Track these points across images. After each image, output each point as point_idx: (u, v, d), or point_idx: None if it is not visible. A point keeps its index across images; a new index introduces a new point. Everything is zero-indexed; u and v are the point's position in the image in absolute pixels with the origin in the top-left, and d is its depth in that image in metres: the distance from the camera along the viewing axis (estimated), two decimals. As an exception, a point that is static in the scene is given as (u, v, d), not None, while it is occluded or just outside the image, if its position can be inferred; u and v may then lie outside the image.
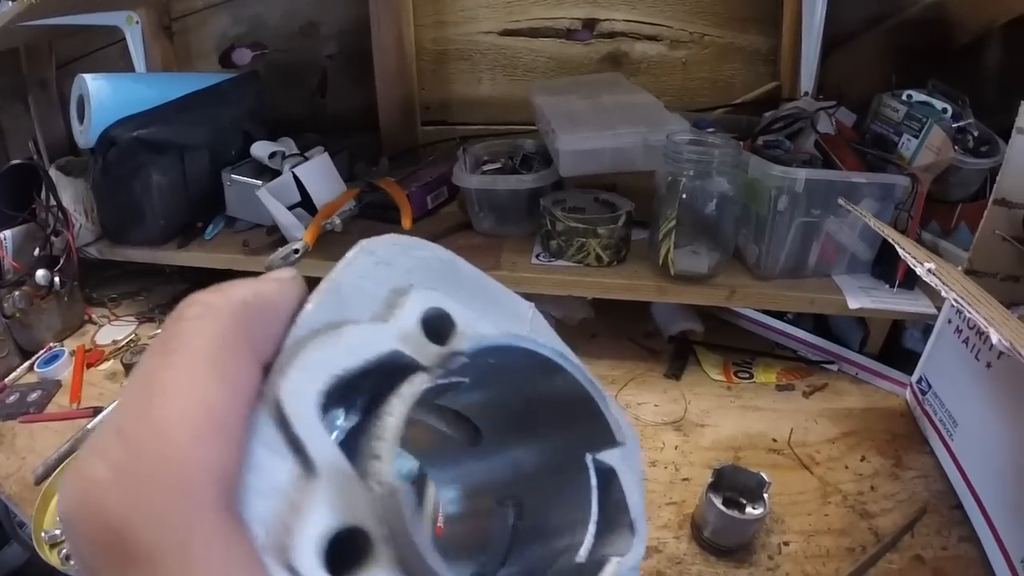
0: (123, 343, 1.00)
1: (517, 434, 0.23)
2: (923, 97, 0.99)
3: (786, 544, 0.69)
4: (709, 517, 0.67)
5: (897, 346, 0.95)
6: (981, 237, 0.76)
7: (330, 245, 1.00)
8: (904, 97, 1.00)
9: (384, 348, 0.15)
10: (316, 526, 0.12)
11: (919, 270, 0.64)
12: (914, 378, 0.86)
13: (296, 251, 0.95)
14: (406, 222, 1.10)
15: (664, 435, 0.84)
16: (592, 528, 0.19)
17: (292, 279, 0.17)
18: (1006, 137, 0.69)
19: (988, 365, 0.70)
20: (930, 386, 0.83)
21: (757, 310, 1.00)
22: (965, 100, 1.00)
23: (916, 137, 0.95)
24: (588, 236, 0.96)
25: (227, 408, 0.12)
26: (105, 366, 0.97)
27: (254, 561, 0.11)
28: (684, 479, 0.77)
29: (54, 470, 0.76)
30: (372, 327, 0.16)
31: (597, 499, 0.19)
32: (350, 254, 0.18)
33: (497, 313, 0.19)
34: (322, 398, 0.14)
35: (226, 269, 1.01)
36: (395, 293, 0.17)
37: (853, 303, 0.88)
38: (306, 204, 1.02)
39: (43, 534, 0.69)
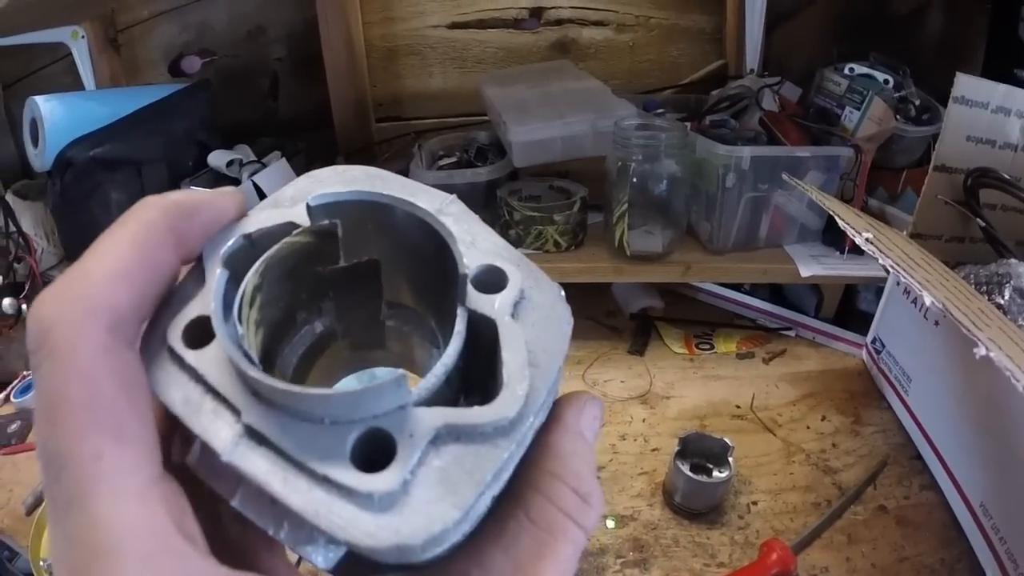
0: None
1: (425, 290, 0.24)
2: (864, 69, 1.03)
3: (754, 504, 0.70)
4: (678, 483, 0.68)
5: (852, 309, 0.98)
6: (923, 202, 0.78)
7: None
8: (846, 71, 1.03)
9: (279, 220, 0.21)
10: (188, 313, 0.18)
11: (858, 240, 0.67)
12: (868, 339, 0.89)
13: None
14: None
15: (632, 409, 0.85)
16: (439, 370, 0.18)
17: (232, 192, 0.21)
18: (946, 103, 0.72)
19: (936, 323, 0.72)
20: (884, 345, 0.85)
21: (714, 284, 1.02)
22: (906, 70, 1.03)
23: (858, 109, 0.98)
24: (545, 224, 0.98)
25: (134, 266, 0.17)
26: None
27: (97, 388, 0.15)
28: (653, 449, 0.78)
29: (44, 499, 0.75)
30: (277, 210, 0.21)
31: (459, 347, 0.19)
32: (299, 178, 0.23)
33: (410, 199, 0.22)
34: (228, 245, 0.20)
35: None
36: None
37: (805, 271, 0.91)
38: None
39: (41, 563, 0.68)
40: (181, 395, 0.17)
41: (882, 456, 0.75)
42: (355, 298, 0.22)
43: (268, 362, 0.21)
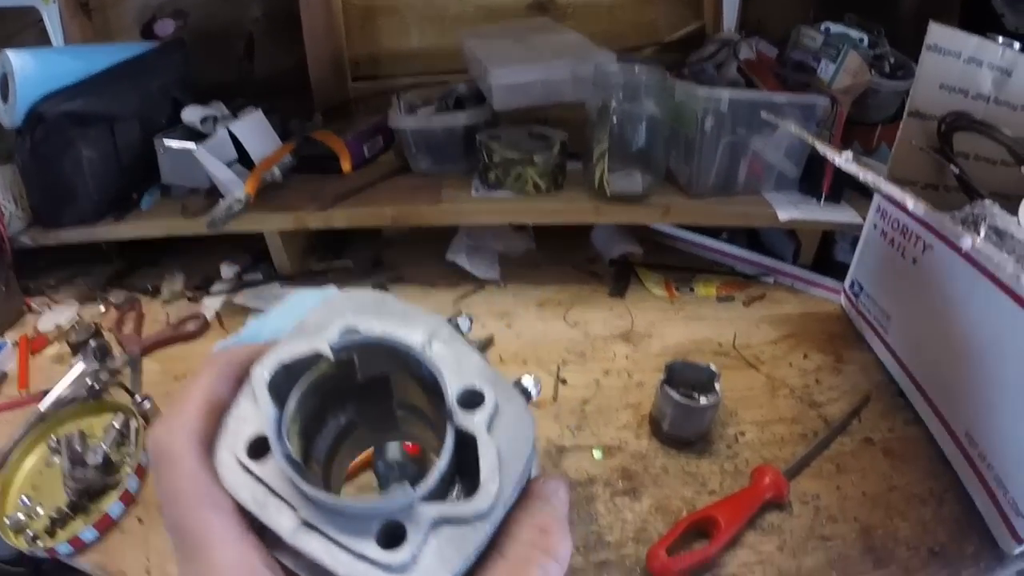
0: (67, 326, 0.94)
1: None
2: (840, 28, 1.02)
3: (742, 434, 0.68)
4: (666, 410, 0.65)
5: (829, 259, 0.97)
6: (899, 147, 0.78)
7: (272, 198, 0.97)
8: (822, 28, 1.03)
9: (309, 349, 0.26)
10: (248, 432, 0.24)
11: (838, 160, 0.66)
12: (846, 283, 0.88)
13: (239, 201, 0.90)
14: (345, 166, 1.05)
15: (614, 346, 0.82)
16: (434, 476, 0.23)
17: (258, 347, 0.27)
18: (921, 63, 0.72)
19: (914, 261, 0.72)
20: (862, 288, 0.85)
21: (692, 229, 1.00)
22: (880, 30, 1.04)
23: (834, 62, 0.97)
24: (525, 165, 0.95)
25: (211, 403, 0.25)
26: (50, 351, 0.91)
27: (198, 481, 0.23)
28: (638, 383, 0.75)
29: (7, 457, 0.71)
30: (305, 339, 0.26)
31: (449, 457, 0.24)
32: (319, 308, 0.29)
33: (409, 327, 0.27)
34: (270, 374, 0.25)
35: (166, 237, 0.98)
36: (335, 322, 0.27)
37: (783, 215, 0.90)
38: (243, 161, 0.99)
39: (5, 520, 0.65)
40: (250, 495, 0.23)
41: (864, 392, 0.74)
42: (371, 402, 0.30)
43: (307, 453, 0.27)
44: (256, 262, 1.05)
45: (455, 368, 0.26)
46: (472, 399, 0.26)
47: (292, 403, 0.25)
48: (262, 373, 0.25)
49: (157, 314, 0.97)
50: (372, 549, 0.22)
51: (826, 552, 0.57)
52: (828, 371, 0.77)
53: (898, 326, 0.76)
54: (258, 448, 0.24)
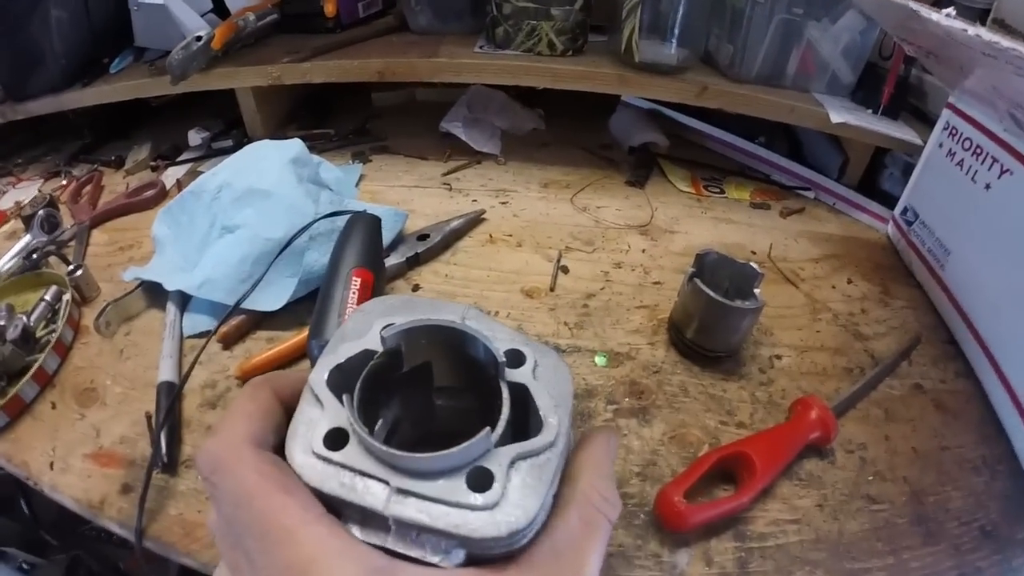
0: (26, 202, 0.82)
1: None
2: None
3: (778, 358, 0.55)
4: (694, 309, 0.51)
5: (874, 187, 0.83)
6: None
7: (246, 54, 0.82)
8: None
9: (359, 350, 0.28)
10: (321, 429, 0.25)
11: (940, 15, 0.49)
12: (897, 210, 0.74)
13: (199, 39, 0.75)
14: (329, 8, 0.88)
15: (629, 238, 0.67)
16: (502, 423, 0.26)
17: (301, 372, 0.30)
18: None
19: (987, 187, 0.58)
20: (917, 216, 0.71)
21: (725, 127, 0.84)
22: None
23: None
24: (540, 18, 0.78)
25: (256, 412, 0.27)
26: (6, 227, 0.79)
27: (265, 474, 0.24)
28: (655, 282, 0.61)
29: None
30: (354, 342, 0.29)
31: (509, 406, 0.27)
32: (353, 315, 0.31)
33: (439, 315, 0.30)
34: (326, 376, 0.27)
35: (136, 106, 0.89)
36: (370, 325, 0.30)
37: (836, 117, 0.75)
38: (220, 11, 0.88)
39: None
40: (337, 482, 0.24)
41: (915, 332, 0.61)
42: (415, 391, 0.33)
43: None
44: (229, 129, 0.92)
45: (491, 338, 0.29)
46: (514, 358, 0.29)
47: (357, 394, 0.27)
48: (321, 376, 0.27)
49: (118, 185, 0.82)
50: (465, 495, 0.24)
51: (872, 517, 0.45)
52: (875, 302, 0.64)
53: (958, 263, 0.63)
54: (335, 440, 0.25)
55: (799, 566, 0.41)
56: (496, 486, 0.24)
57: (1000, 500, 0.48)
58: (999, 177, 0.56)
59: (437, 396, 0.34)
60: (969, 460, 0.50)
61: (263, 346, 0.54)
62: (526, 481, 0.24)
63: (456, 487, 0.24)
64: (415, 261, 0.63)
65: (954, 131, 0.64)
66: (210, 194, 0.61)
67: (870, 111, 0.80)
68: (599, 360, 0.52)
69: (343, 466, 0.24)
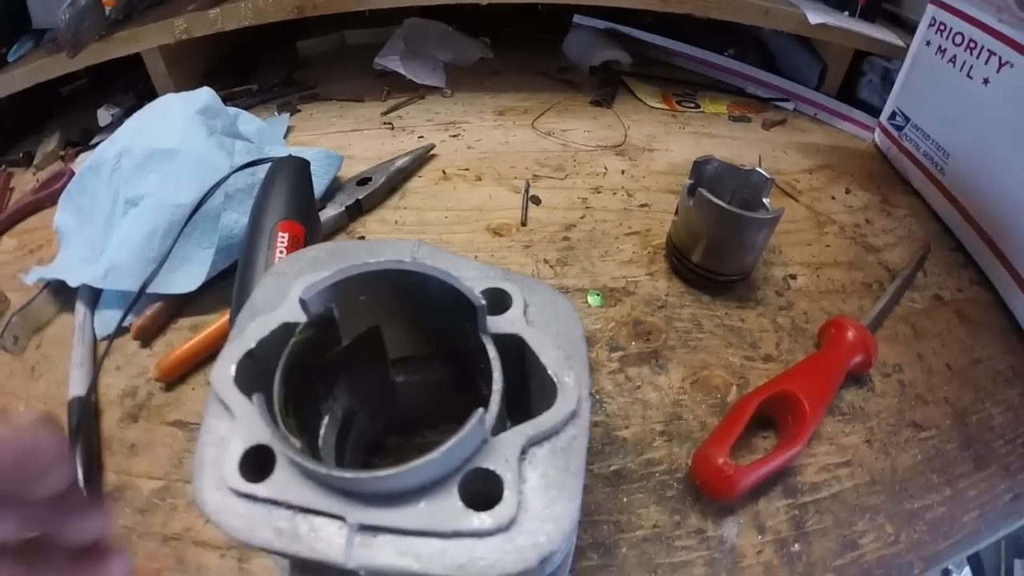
0: None
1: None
2: None
3: (792, 277, 0.48)
4: (699, 227, 0.42)
5: (852, 96, 0.77)
6: None
7: (150, 13, 0.69)
8: None
9: (275, 325, 0.21)
10: (235, 449, 0.18)
11: None
12: (884, 116, 0.68)
13: None
14: None
15: (604, 159, 0.58)
16: (496, 399, 0.19)
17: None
18: None
19: (985, 81, 0.53)
20: (908, 120, 0.65)
21: (693, 31, 0.75)
22: None
23: None
24: None
25: None
26: None
27: None
28: (642, 205, 0.52)
29: None
30: (268, 317, 0.21)
31: (500, 370, 0.20)
32: (261, 281, 0.24)
33: (375, 256, 0.23)
34: (234, 370, 0.19)
35: (41, 90, 0.72)
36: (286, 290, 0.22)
37: (814, 18, 0.68)
38: None
39: None
40: (271, 529, 0.17)
41: (922, 240, 0.55)
42: (364, 369, 0.25)
43: (316, 458, 0.20)
44: (141, 101, 0.75)
45: (458, 277, 0.21)
46: (496, 300, 0.22)
47: (278, 389, 0.19)
48: (225, 371, 0.19)
49: (28, 184, 0.67)
50: (463, 516, 0.16)
51: (922, 447, 0.39)
52: (877, 211, 0.57)
53: (959, 165, 0.58)
54: (256, 464, 0.18)
55: (859, 515, 0.35)
56: (508, 495, 0.17)
57: None
58: (998, 71, 0.51)
59: (396, 371, 0.27)
60: (1001, 372, 0.45)
61: (187, 336, 0.43)
62: (548, 476, 0.17)
63: (448, 507, 0.17)
64: (357, 210, 0.53)
65: (942, 27, 0.58)
66: (109, 165, 0.48)
67: (846, 13, 0.73)
68: (593, 300, 0.43)
69: (274, 503, 0.17)
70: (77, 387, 0.40)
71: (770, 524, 0.34)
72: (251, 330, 0.21)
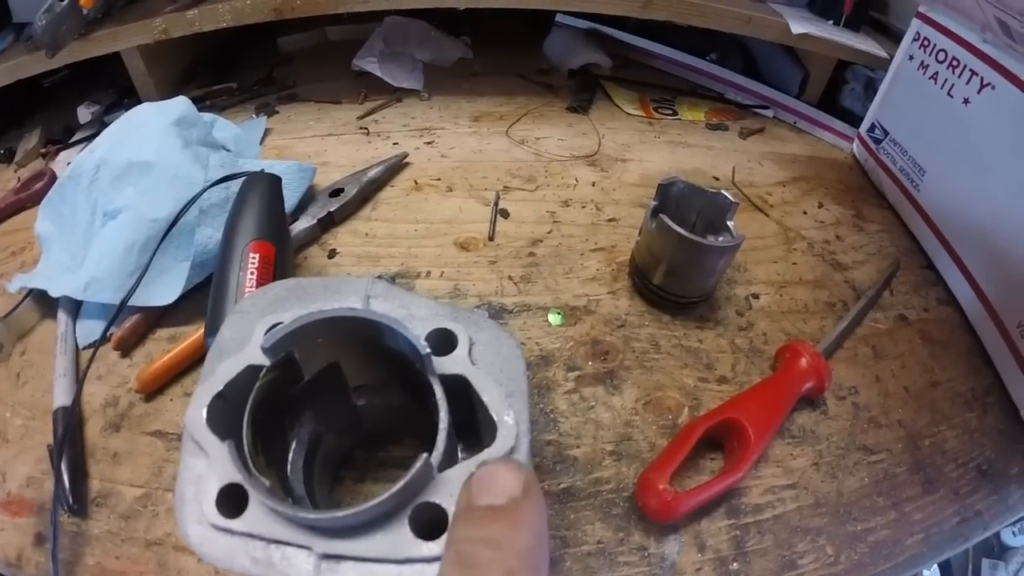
0: None
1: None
2: None
3: (755, 297, 0.48)
4: (660, 250, 0.43)
5: (834, 105, 0.77)
6: None
7: (129, 11, 0.68)
8: None
9: (241, 367, 0.22)
10: (212, 488, 0.20)
11: None
12: (863, 127, 0.68)
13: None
14: None
15: (575, 170, 0.58)
16: (442, 439, 0.21)
17: None
18: None
19: (965, 102, 0.53)
20: (886, 133, 0.65)
21: (675, 34, 0.75)
22: None
23: None
24: None
25: None
26: None
27: None
28: (610, 219, 0.53)
29: None
30: (234, 358, 0.23)
31: (447, 408, 0.21)
32: (228, 319, 0.25)
33: (336, 299, 0.25)
34: (205, 413, 0.21)
35: (23, 85, 0.70)
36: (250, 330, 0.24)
37: (797, 27, 0.68)
38: None
39: None
40: (247, 558, 0.19)
41: (892, 258, 0.55)
42: (327, 398, 0.26)
43: (285, 487, 0.24)
44: (122, 99, 0.77)
45: (408, 317, 0.24)
46: (442, 341, 0.24)
47: (247, 434, 0.21)
48: (198, 414, 0.21)
49: (9, 181, 0.67)
50: (413, 545, 0.19)
51: (870, 470, 0.40)
52: (848, 227, 0.58)
53: (934, 183, 0.58)
54: (231, 500, 0.20)
55: (800, 536, 0.36)
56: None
57: (993, 435, 0.44)
58: (979, 92, 0.51)
59: (357, 396, 0.29)
60: (960, 395, 0.46)
61: (165, 348, 0.44)
62: None
63: (400, 538, 0.19)
64: (329, 222, 0.53)
65: (926, 42, 0.58)
66: (88, 176, 0.49)
67: (831, 22, 0.73)
68: (553, 318, 0.44)
69: (250, 536, 0.20)
70: (61, 397, 0.41)
71: (711, 543, 0.35)
72: (220, 372, 0.22)
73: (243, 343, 0.24)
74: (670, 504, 0.32)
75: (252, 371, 0.23)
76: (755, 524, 0.36)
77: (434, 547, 0.19)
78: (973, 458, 0.42)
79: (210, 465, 0.21)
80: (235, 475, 0.20)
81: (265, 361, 0.23)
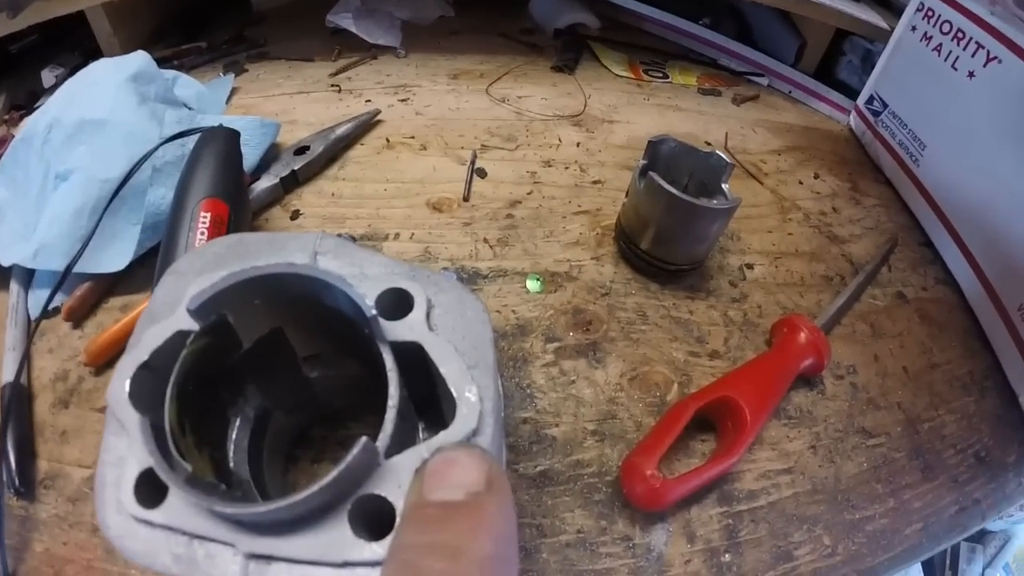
0: None
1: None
2: None
3: (749, 267, 0.45)
4: (649, 213, 0.39)
5: (830, 76, 0.73)
6: None
7: None
8: None
9: (169, 333, 0.19)
10: (131, 473, 0.18)
11: None
12: (861, 99, 0.65)
13: None
14: None
15: (559, 130, 0.54)
16: (390, 421, 0.17)
17: None
18: None
19: (970, 75, 0.50)
20: (885, 106, 0.62)
21: (664, 7, 0.71)
22: None
23: None
24: None
25: None
26: None
27: None
28: (595, 181, 0.49)
29: None
30: (160, 325, 0.19)
31: (398, 382, 0.18)
32: (161, 280, 0.22)
33: (281, 256, 0.22)
34: (128, 385, 0.18)
35: None
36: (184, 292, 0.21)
37: (796, -10, 0.63)
38: None
39: None
40: (169, 555, 0.17)
41: (890, 233, 0.53)
42: (272, 370, 0.23)
43: (223, 470, 0.22)
44: (87, 61, 0.68)
45: (359, 276, 0.21)
46: (397, 303, 0.20)
47: (170, 411, 0.18)
48: (119, 387, 0.18)
49: None
50: (353, 546, 0.16)
51: (869, 455, 0.37)
52: (845, 199, 0.55)
53: (935, 158, 0.55)
54: (150, 488, 0.17)
55: (796, 525, 0.33)
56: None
57: (991, 420, 0.42)
58: (984, 65, 0.48)
59: (308, 367, 0.25)
60: (958, 378, 0.43)
61: (117, 317, 0.39)
62: None
63: (338, 537, 0.16)
64: (292, 181, 0.48)
65: (930, 13, 0.55)
66: (40, 137, 0.44)
67: (830, -11, 0.69)
68: (532, 285, 0.40)
69: (171, 529, 0.17)
70: (9, 372, 0.37)
71: (701, 533, 0.31)
72: (146, 339, 0.19)
73: (176, 307, 0.20)
74: (658, 492, 0.29)
75: (182, 337, 0.19)
76: (748, 512, 0.33)
77: (378, 549, 0.16)
78: (971, 444, 0.40)
79: (130, 446, 0.18)
80: (153, 463, 0.17)
81: (194, 326, 0.19)
